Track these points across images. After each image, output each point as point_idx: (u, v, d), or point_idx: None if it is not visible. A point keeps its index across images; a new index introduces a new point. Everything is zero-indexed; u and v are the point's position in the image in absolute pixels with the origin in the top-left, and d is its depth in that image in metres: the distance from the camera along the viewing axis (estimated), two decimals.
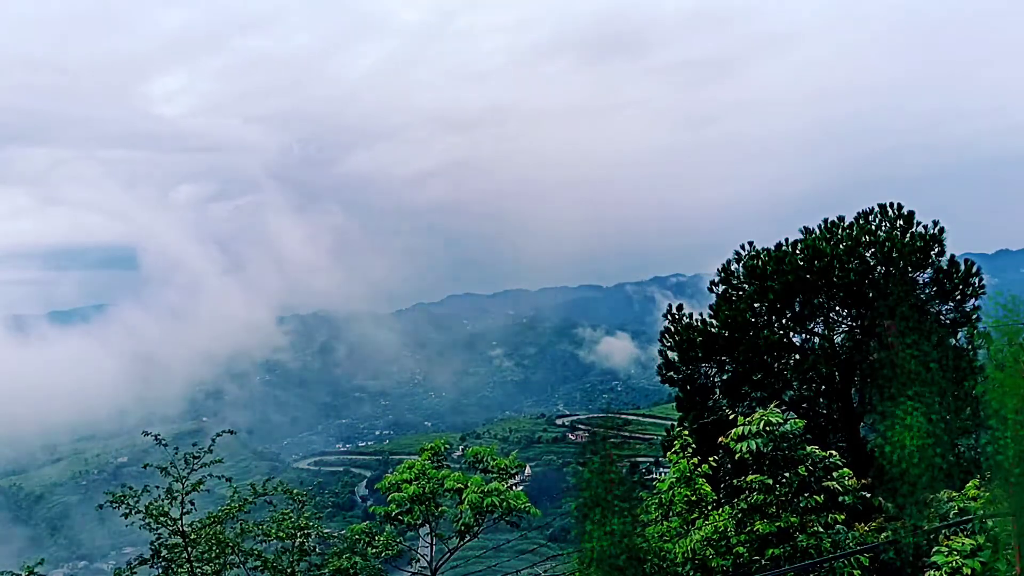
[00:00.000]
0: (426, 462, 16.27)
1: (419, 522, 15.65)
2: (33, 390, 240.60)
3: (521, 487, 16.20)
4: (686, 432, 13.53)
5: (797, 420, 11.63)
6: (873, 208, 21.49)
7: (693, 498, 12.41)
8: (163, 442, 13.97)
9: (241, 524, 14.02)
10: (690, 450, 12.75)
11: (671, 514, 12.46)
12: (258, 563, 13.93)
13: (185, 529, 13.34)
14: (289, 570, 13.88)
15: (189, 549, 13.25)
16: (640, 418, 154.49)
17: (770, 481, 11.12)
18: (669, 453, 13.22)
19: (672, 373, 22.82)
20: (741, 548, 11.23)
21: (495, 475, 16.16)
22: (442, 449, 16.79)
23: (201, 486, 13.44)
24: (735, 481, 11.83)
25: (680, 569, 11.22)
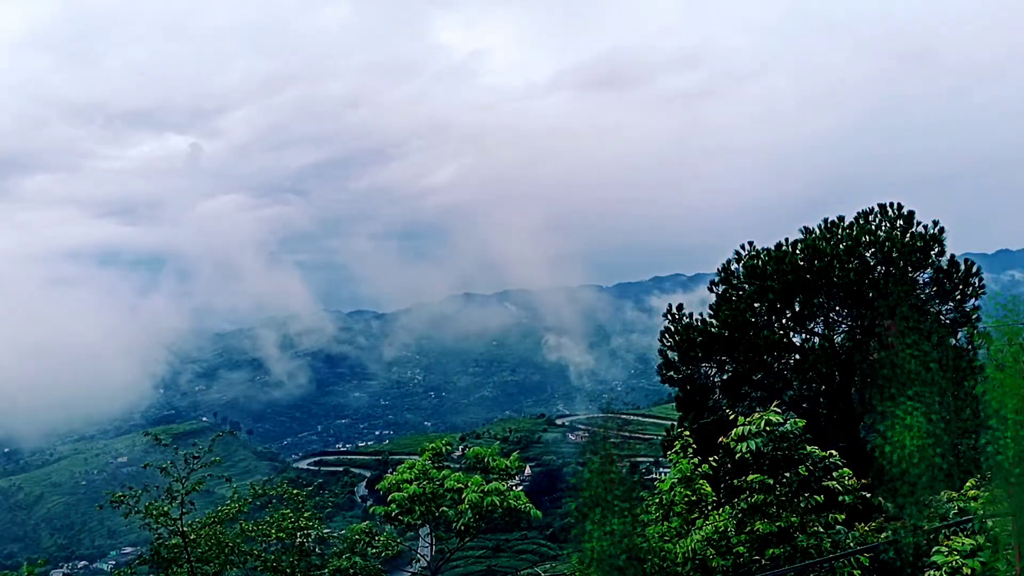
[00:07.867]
0: (427, 462, 16.26)
1: (419, 522, 15.65)
2: (35, 385, 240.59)
3: (521, 487, 16.19)
4: (686, 432, 13.52)
5: (797, 420, 11.62)
6: (873, 208, 21.48)
7: (693, 498, 12.39)
8: (163, 442, 14.00)
9: (241, 524, 14.03)
10: (690, 450, 12.74)
11: (671, 514, 12.45)
12: (258, 563, 13.94)
13: (185, 529, 13.35)
14: (289, 570, 13.88)
15: (189, 549, 13.26)
16: (640, 418, 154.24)
17: (770, 481, 11.11)
18: (669, 453, 13.20)
19: (672, 373, 22.82)
20: (741, 548, 11.22)
21: (495, 475, 16.16)
22: (443, 449, 16.79)
23: (201, 486, 13.45)
24: (735, 481, 11.81)
25: (680, 569, 11.21)
